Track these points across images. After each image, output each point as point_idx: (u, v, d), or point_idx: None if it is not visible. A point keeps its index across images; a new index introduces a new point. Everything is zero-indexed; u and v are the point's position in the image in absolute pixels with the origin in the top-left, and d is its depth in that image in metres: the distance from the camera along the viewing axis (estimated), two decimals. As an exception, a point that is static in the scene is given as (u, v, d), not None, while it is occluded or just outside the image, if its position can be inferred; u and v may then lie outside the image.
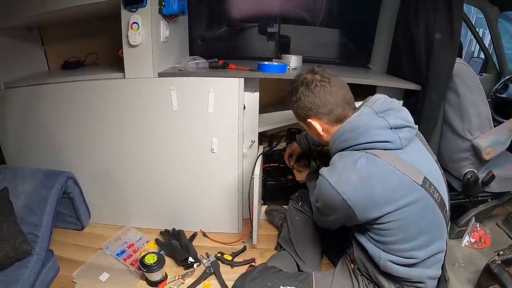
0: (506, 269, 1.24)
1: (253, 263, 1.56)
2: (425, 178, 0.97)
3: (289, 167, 1.75)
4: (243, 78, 1.49)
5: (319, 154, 1.74)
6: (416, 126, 1.05)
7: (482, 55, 2.75)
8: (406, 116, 1.04)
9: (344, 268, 1.22)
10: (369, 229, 1.04)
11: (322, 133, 1.12)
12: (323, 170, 1.03)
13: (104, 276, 1.46)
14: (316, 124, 1.10)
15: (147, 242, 1.68)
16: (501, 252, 1.31)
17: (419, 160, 1.01)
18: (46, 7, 1.51)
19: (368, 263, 1.11)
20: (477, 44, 3.12)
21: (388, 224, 0.97)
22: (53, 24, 1.89)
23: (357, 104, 1.12)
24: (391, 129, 0.99)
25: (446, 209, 1.05)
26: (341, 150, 1.05)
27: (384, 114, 1.01)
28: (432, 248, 1.03)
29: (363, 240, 1.08)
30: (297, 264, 1.43)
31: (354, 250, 1.15)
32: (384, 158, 0.95)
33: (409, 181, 0.95)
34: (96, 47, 2.01)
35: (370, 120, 1.00)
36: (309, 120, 1.10)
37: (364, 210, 0.96)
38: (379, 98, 1.06)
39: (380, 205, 0.95)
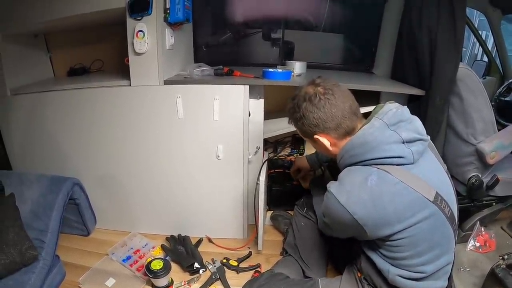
0: (511, 273, 1.23)
1: (258, 269, 1.56)
2: (436, 193, 0.94)
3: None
4: (248, 85, 1.49)
5: (329, 167, 1.72)
6: (428, 138, 1.01)
7: (485, 58, 2.74)
8: (418, 127, 1.00)
9: (351, 276, 1.21)
10: (380, 245, 1.02)
11: (330, 148, 1.07)
12: (331, 187, 0.99)
13: (110, 282, 1.46)
14: (324, 140, 1.05)
15: (153, 248, 1.69)
16: (506, 256, 1.29)
17: (431, 174, 0.98)
18: (53, 15, 1.52)
19: (375, 276, 1.10)
20: (480, 47, 3.11)
21: (399, 241, 0.95)
22: (59, 31, 1.90)
23: (362, 110, 1.09)
24: (403, 143, 0.94)
25: (456, 222, 1.04)
26: (350, 165, 1.01)
27: (396, 127, 0.96)
28: (441, 262, 1.01)
29: (372, 254, 1.07)
30: (302, 270, 1.42)
31: (362, 261, 1.13)
32: (395, 174, 0.92)
33: (421, 198, 0.92)
34: (102, 54, 2.02)
35: (380, 134, 0.96)
36: (316, 136, 1.05)
37: (375, 229, 0.94)
38: (390, 109, 1.00)
39: (391, 224, 0.93)
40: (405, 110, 1.03)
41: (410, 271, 1.00)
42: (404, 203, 0.91)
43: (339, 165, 1.07)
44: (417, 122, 1.02)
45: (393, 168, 0.93)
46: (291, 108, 1.08)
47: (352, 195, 0.93)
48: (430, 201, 0.92)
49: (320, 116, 1.00)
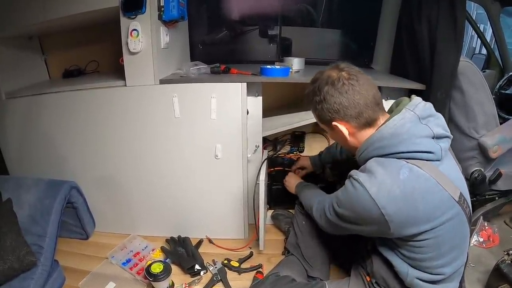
0: None
1: (260, 269, 1.54)
2: (460, 193, 0.92)
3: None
4: (246, 83, 1.47)
5: (332, 169, 1.71)
6: (452, 136, 0.97)
7: (483, 51, 2.73)
8: (444, 124, 0.96)
9: (359, 279, 1.17)
10: (400, 245, 0.97)
11: (348, 138, 1.01)
12: (359, 175, 0.92)
13: (111, 286, 1.45)
14: (343, 128, 0.99)
15: (153, 250, 1.67)
16: (510, 252, 1.29)
17: (455, 173, 0.96)
18: (47, 16, 1.50)
19: (391, 279, 1.05)
20: (478, 39, 3.10)
21: (424, 242, 0.91)
22: (53, 32, 1.89)
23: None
24: (433, 138, 0.91)
25: (471, 222, 1.02)
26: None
27: (427, 121, 0.92)
28: (458, 263, 0.99)
29: (389, 255, 1.02)
30: (305, 269, 1.40)
31: (374, 263, 1.08)
32: (426, 170, 0.88)
33: (449, 197, 0.89)
34: (97, 54, 2.00)
35: (413, 126, 0.91)
36: (334, 123, 0.99)
37: (401, 227, 0.89)
38: (419, 102, 0.96)
39: (419, 223, 0.88)
40: (431, 105, 0.98)
41: (429, 273, 0.97)
42: (435, 201, 0.88)
43: (359, 158, 1.01)
44: (442, 118, 0.98)
45: (424, 163, 0.89)
46: (310, 91, 1.02)
47: (384, 187, 0.87)
48: (455, 200, 0.90)
49: (342, 101, 0.95)
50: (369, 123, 0.98)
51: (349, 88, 0.94)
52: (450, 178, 0.91)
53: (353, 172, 0.95)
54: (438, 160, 0.91)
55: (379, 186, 0.87)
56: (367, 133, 0.98)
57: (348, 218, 1.00)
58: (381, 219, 0.88)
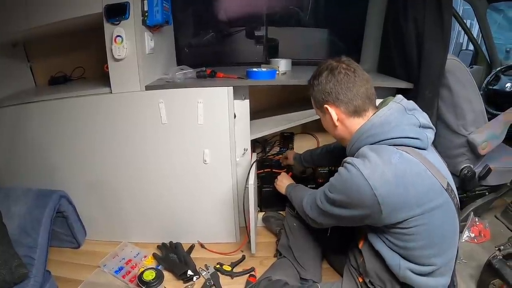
0: (508, 263, 1.24)
1: (253, 272, 1.55)
2: (448, 183, 0.97)
3: (282, 167, 1.77)
4: (232, 87, 1.47)
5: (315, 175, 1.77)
6: (435, 129, 1.05)
7: (471, 47, 2.74)
8: (428, 117, 1.05)
9: (351, 281, 1.19)
10: (391, 234, 0.99)
11: (337, 124, 1.09)
12: (354, 160, 0.96)
13: (103, 295, 1.44)
14: (333, 112, 1.07)
15: (145, 257, 1.67)
16: (501, 247, 1.30)
17: (441, 165, 1.01)
18: (31, 23, 1.48)
19: (385, 274, 1.06)
20: (464, 35, 3.12)
21: (414, 228, 0.94)
22: (38, 39, 1.86)
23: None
24: (419, 127, 0.99)
25: (459, 215, 1.04)
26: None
27: (413, 112, 1.01)
28: (448, 255, 1.02)
29: (380, 247, 1.04)
30: (297, 271, 1.41)
31: (366, 262, 1.10)
32: (416, 156, 0.93)
33: (437, 184, 0.93)
34: (82, 60, 1.99)
35: (400, 115, 0.99)
36: (326, 106, 1.08)
37: (392, 210, 0.92)
38: (403, 97, 1.06)
39: (410, 207, 0.91)
40: (414, 102, 1.08)
41: (421, 264, 0.99)
42: (424, 186, 0.92)
43: (351, 150, 1.07)
44: (425, 113, 1.06)
45: (412, 150, 0.95)
46: (312, 75, 1.12)
47: (377, 169, 0.91)
48: (444, 188, 0.94)
49: (335, 86, 1.04)
50: (358, 112, 1.05)
51: (345, 76, 1.04)
52: (436, 167, 0.96)
53: (348, 158, 1.00)
54: (425, 149, 0.98)
55: (373, 168, 0.91)
56: (356, 122, 1.06)
57: (340, 202, 1.02)
58: (374, 202, 0.91)
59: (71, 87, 1.78)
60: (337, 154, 1.50)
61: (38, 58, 1.96)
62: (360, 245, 1.13)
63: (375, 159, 0.92)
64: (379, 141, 0.98)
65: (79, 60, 1.99)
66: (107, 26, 1.41)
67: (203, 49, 2.04)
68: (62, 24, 1.48)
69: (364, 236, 1.10)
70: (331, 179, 1.05)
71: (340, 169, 1.01)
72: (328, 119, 1.11)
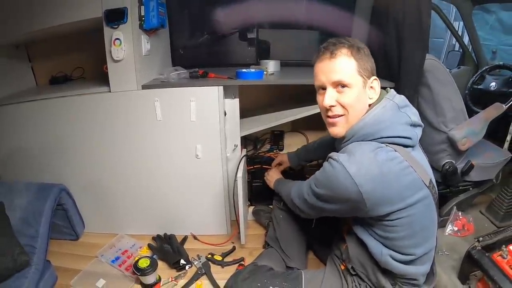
0: (486, 254, 1.25)
1: (242, 262, 1.61)
2: (430, 180, 0.99)
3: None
4: (222, 86, 1.54)
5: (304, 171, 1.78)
6: (423, 125, 1.05)
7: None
8: (418, 113, 1.05)
9: (334, 268, 1.23)
10: (374, 225, 1.02)
11: (370, 102, 1.05)
12: (339, 156, 0.96)
13: (101, 282, 1.49)
14: (378, 87, 1.05)
15: (140, 247, 1.73)
16: (481, 238, 1.32)
17: (424, 162, 1.03)
18: (33, 26, 1.56)
19: (367, 261, 1.09)
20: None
21: (397, 221, 0.96)
22: (40, 41, 1.93)
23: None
24: (411, 125, 0.99)
25: (438, 208, 1.08)
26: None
27: (405, 110, 1.01)
28: (427, 245, 1.04)
29: (365, 236, 1.06)
30: (284, 261, 1.46)
31: (350, 249, 1.13)
32: (401, 153, 0.94)
33: (419, 179, 0.95)
34: (82, 61, 2.05)
35: (394, 114, 1.00)
36: (374, 77, 1.05)
37: (376, 205, 0.94)
38: (395, 94, 1.05)
39: (393, 202, 0.93)
40: (405, 97, 1.07)
41: (402, 253, 1.01)
42: (407, 182, 0.93)
43: (345, 143, 1.05)
44: (415, 109, 1.06)
45: (398, 147, 0.96)
46: (348, 42, 1.04)
47: (363, 167, 0.91)
48: (425, 184, 0.96)
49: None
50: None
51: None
52: (420, 163, 0.98)
53: (332, 154, 1.00)
54: (412, 147, 1.00)
55: (358, 165, 0.92)
56: (360, 118, 1.03)
57: (325, 197, 1.04)
58: (359, 197, 0.92)
59: (71, 86, 1.85)
60: (333, 144, 1.47)
61: (39, 59, 2.03)
62: (345, 233, 1.16)
63: (361, 155, 0.93)
64: (372, 140, 0.99)
65: (79, 61, 2.05)
66: (106, 30, 1.49)
67: (197, 50, 2.09)
68: (63, 27, 1.55)
69: (349, 225, 1.13)
70: (316, 173, 1.07)
71: (325, 164, 1.01)
72: (362, 94, 1.02)
